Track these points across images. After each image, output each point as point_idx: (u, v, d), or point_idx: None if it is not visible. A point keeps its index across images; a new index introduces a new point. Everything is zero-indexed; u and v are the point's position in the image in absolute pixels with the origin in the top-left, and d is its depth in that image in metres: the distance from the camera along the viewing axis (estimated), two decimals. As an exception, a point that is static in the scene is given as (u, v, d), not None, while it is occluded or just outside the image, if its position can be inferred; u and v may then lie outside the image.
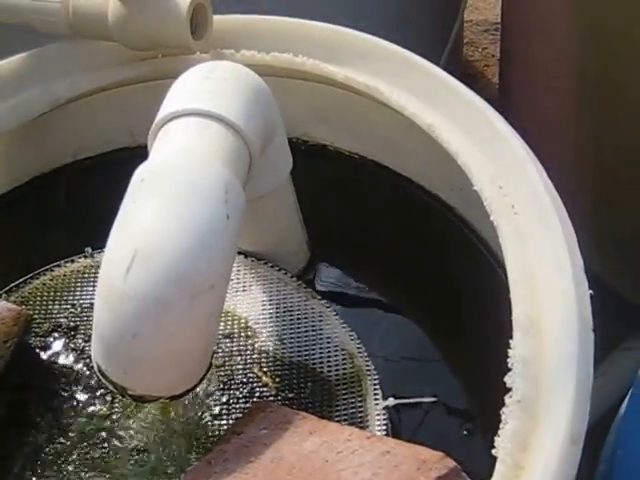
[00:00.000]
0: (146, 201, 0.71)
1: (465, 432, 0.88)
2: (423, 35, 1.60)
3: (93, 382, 0.87)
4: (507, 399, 0.65)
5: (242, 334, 0.90)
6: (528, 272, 0.73)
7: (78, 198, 1.10)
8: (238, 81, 0.82)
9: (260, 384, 0.86)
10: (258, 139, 0.80)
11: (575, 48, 1.36)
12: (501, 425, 0.64)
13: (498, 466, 0.63)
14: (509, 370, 0.67)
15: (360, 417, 0.82)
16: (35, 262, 1.01)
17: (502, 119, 0.85)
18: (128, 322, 0.67)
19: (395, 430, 0.84)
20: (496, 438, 0.64)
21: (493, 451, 0.63)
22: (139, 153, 1.08)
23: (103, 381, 0.73)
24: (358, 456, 0.66)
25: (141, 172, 0.74)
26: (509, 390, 0.66)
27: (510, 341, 0.68)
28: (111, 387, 0.72)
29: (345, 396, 0.84)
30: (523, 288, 0.72)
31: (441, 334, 0.98)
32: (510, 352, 0.67)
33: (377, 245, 1.06)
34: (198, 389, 0.80)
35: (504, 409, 0.65)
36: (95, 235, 1.01)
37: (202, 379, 0.76)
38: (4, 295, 0.96)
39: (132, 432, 0.83)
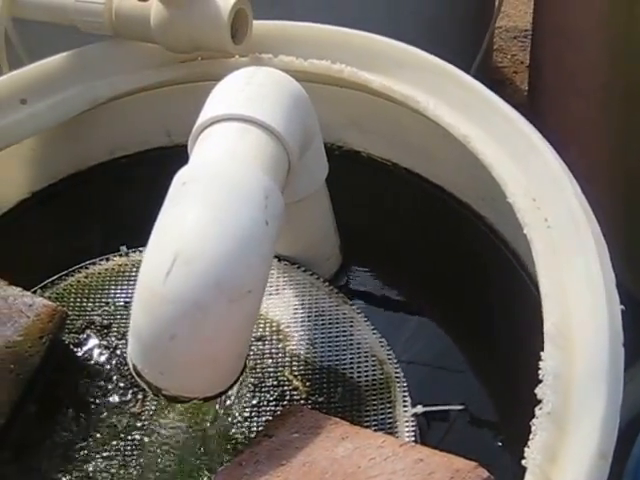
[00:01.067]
0: (187, 205, 0.72)
1: (498, 443, 0.88)
2: (454, 43, 1.60)
3: (126, 380, 0.88)
4: (537, 410, 0.66)
5: (274, 337, 0.91)
6: (560, 285, 0.73)
7: (114, 196, 1.11)
8: (278, 87, 0.82)
9: (290, 387, 0.86)
10: (297, 145, 0.81)
11: (604, 59, 1.36)
12: (531, 436, 0.65)
13: (527, 477, 0.63)
14: (536, 379, 0.67)
15: (389, 424, 0.83)
16: (70, 259, 1.02)
17: (537, 132, 0.85)
18: (166, 324, 0.68)
19: (422, 437, 0.84)
20: (526, 449, 0.64)
21: (523, 462, 0.64)
22: (175, 153, 1.10)
23: (138, 381, 0.73)
24: (391, 463, 0.67)
25: (182, 175, 0.74)
26: (538, 401, 0.66)
27: (541, 353, 0.69)
28: (146, 387, 0.73)
29: (374, 402, 0.85)
30: (555, 301, 0.72)
31: (468, 341, 0.99)
32: (541, 364, 0.68)
33: (407, 251, 1.06)
34: (230, 391, 0.81)
35: (534, 420, 0.65)
36: (130, 233, 1.03)
37: (235, 382, 0.77)
38: (39, 291, 0.97)
39: (163, 431, 0.84)
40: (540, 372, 0.68)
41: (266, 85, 0.82)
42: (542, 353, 0.68)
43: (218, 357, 0.72)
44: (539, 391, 0.67)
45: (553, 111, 1.59)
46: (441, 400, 0.88)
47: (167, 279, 0.68)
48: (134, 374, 0.73)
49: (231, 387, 0.77)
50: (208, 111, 0.80)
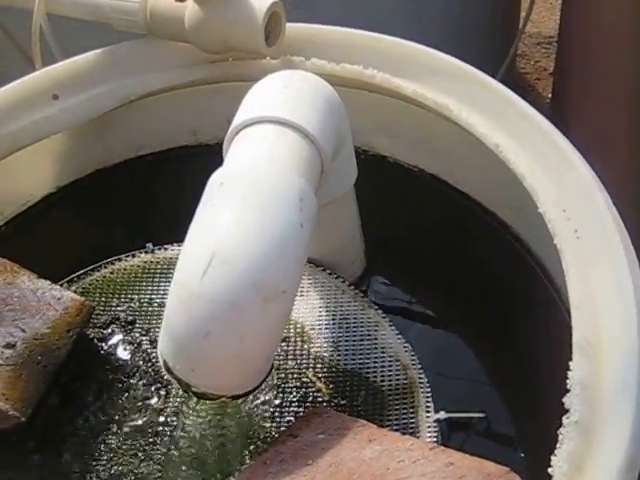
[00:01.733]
0: (224, 205, 0.72)
1: (520, 454, 0.88)
2: (479, 48, 1.60)
3: (149, 376, 0.89)
4: (564, 420, 0.66)
5: (298, 339, 0.91)
6: (590, 296, 0.73)
7: (138, 193, 1.12)
8: (314, 91, 0.83)
9: (313, 389, 0.87)
10: (330, 149, 0.81)
11: (632, 66, 1.36)
12: (558, 445, 0.65)
13: (553, 485, 0.63)
14: (559, 389, 0.67)
15: (411, 428, 0.83)
16: (94, 254, 1.03)
17: (569, 142, 0.85)
18: (201, 322, 0.69)
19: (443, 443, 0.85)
20: (552, 457, 0.64)
21: (549, 470, 0.64)
22: (200, 152, 1.11)
23: (168, 377, 0.74)
24: (420, 466, 0.67)
25: (219, 176, 0.75)
26: (564, 410, 0.66)
27: (569, 362, 0.69)
28: (176, 383, 0.74)
29: (397, 407, 0.85)
30: (584, 312, 0.72)
31: (490, 350, 0.99)
32: (569, 374, 0.68)
33: (430, 257, 1.07)
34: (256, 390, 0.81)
35: (561, 429, 0.65)
36: (154, 231, 1.04)
37: (263, 381, 0.77)
38: (65, 285, 0.98)
39: (185, 428, 0.84)
40: (568, 382, 0.68)
41: (303, 89, 0.82)
42: (570, 363, 0.69)
43: (249, 356, 0.72)
44: (567, 400, 0.67)
45: (577, 118, 1.59)
46: (461, 408, 0.89)
47: (204, 278, 0.68)
48: (164, 370, 0.74)
49: (259, 387, 0.77)
50: (244, 113, 0.80)
